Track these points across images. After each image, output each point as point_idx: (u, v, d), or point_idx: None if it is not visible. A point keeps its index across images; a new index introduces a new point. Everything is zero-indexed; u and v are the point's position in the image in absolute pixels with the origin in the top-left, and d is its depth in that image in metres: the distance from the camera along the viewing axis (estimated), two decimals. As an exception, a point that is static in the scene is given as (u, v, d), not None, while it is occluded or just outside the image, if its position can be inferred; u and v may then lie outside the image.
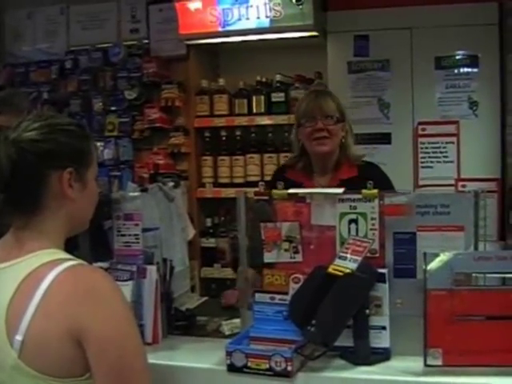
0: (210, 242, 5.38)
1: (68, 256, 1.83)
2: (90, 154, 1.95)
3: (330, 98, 3.43)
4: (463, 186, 4.18)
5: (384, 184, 3.04)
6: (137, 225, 2.72)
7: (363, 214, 2.45)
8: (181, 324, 2.77)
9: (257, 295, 2.47)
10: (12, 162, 1.77)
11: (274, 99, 5.17)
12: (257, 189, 2.68)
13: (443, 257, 2.20)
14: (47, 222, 1.85)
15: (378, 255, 2.40)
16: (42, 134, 1.81)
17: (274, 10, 4.74)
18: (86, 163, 1.92)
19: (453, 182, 4.35)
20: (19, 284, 1.73)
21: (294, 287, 2.42)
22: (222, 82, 5.34)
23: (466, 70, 4.68)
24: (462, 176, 4.49)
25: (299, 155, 3.49)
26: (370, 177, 2.57)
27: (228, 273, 5.12)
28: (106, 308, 1.74)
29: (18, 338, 1.68)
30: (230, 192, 5.12)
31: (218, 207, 5.43)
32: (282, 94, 5.14)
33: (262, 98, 5.19)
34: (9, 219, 1.86)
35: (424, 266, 2.20)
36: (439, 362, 2.15)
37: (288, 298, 2.39)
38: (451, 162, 4.66)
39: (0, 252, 1.86)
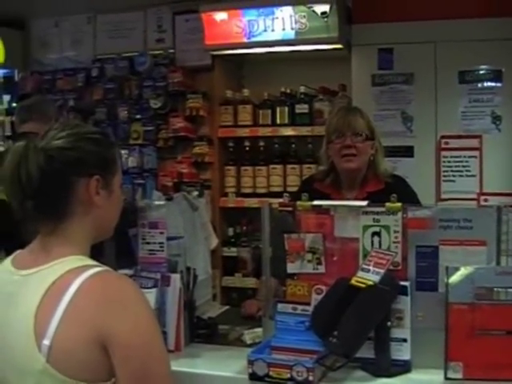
0: (231, 252, 5.40)
1: (94, 262, 1.85)
2: (115, 162, 1.98)
3: (360, 116, 3.45)
4: (485, 201, 4.17)
5: (410, 198, 3.07)
6: (162, 233, 2.75)
7: (386, 227, 2.46)
8: (203, 332, 2.79)
9: (279, 305, 2.49)
10: (41, 169, 1.80)
11: (297, 110, 5.18)
12: (281, 200, 2.69)
13: (465, 271, 2.21)
14: (74, 228, 1.88)
15: (400, 268, 2.41)
16: (69, 143, 1.84)
17: (300, 22, 4.77)
18: (111, 171, 1.95)
19: (475, 196, 4.36)
20: (46, 290, 1.75)
21: (316, 298, 2.44)
22: (246, 92, 5.37)
23: (489, 84, 4.68)
24: (484, 190, 4.49)
25: (328, 171, 3.51)
26: (397, 190, 2.59)
27: (249, 282, 5.16)
28: (132, 315, 1.76)
29: (46, 342, 1.70)
30: (252, 202, 5.14)
31: (240, 217, 5.45)
32: (306, 106, 5.16)
33: (286, 109, 5.21)
34: (36, 225, 1.90)
35: (446, 280, 2.22)
36: (459, 376, 2.16)
37: (310, 308, 2.41)
38: (473, 176, 4.66)
39: (27, 258, 1.89)
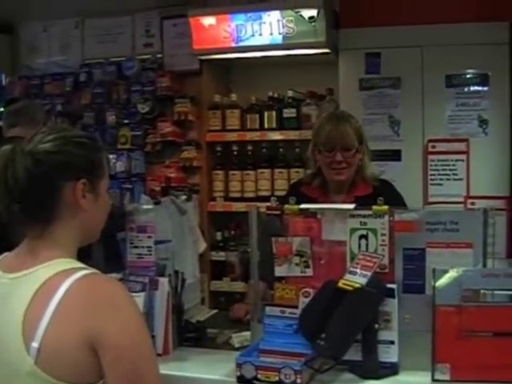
0: (219, 256, 5.40)
1: (82, 265, 1.85)
2: (102, 166, 1.98)
3: (350, 126, 3.41)
4: (472, 204, 4.22)
5: (397, 201, 3.08)
6: (150, 237, 2.75)
7: (373, 230, 2.47)
8: (191, 336, 2.79)
9: (267, 308, 2.49)
10: (28, 172, 1.80)
11: (285, 115, 5.19)
12: (269, 203, 2.70)
13: (452, 273, 2.23)
14: (61, 231, 1.88)
15: (387, 271, 2.42)
16: (56, 146, 1.85)
17: (287, 26, 4.78)
18: (98, 175, 1.95)
19: (462, 199, 4.40)
20: (35, 293, 1.75)
21: (304, 301, 2.44)
22: (234, 97, 5.37)
23: (476, 88, 4.70)
24: (472, 194, 4.52)
25: (315, 173, 3.51)
26: (384, 194, 2.59)
27: (237, 286, 5.17)
28: (121, 317, 1.76)
29: (35, 344, 1.70)
30: (240, 206, 5.15)
31: (228, 221, 5.46)
32: (294, 110, 5.17)
33: (274, 113, 5.22)
34: (23, 229, 1.90)
35: (433, 282, 2.23)
36: (447, 377, 2.18)
37: (298, 311, 2.42)
38: (461, 179, 4.68)
39: (14, 261, 1.89)
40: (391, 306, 2.32)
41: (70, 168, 1.86)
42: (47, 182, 1.83)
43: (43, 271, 1.80)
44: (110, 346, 1.71)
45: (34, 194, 1.82)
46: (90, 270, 1.82)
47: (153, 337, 2.49)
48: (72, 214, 1.88)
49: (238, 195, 5.33)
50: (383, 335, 2.31)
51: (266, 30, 4.86)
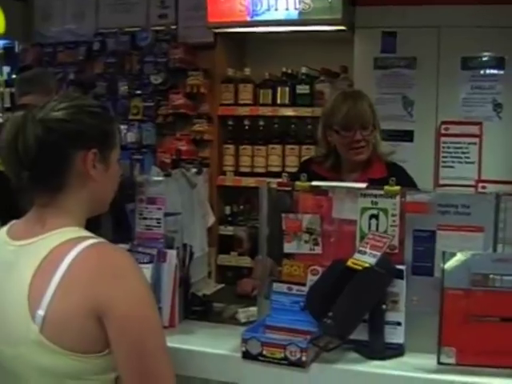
0: (228, 230, 5.41)
1: (90, 234, 1.85)
2: (114, 137, 1.98)
3: (367, 105, 3.38)
4: (483, 188, 4.19)
5: (408, 185, 3.05)
6: (159, 209, 2.74)
7: (384, 210, 2.45)
8: (197, 309, 2.79)
9: (274, 285, 2.48)
10: (38, 140, 1.79)
11: (298, 91, 5.18)
12: (279, 179, 2.69)
13: (461, 256, 2.21)
14: (70, 200, 1.88)
15: (397, 251, 2.41)
16: (68, 115, 1.84)
17: (304, 2, 4.76)
18: (110, 145, 1.95)
19: (473, 182, 4.37)
20: (42, 260, 1.76)
21: (312, 279, 2.43)
22: (247, 71, 5.36)
23: (491, 71, 4.68)
24: (483, 177, 4.50)
25: (327, 154, 3.48)
26: (398, 178, 2.57)
27: (244, 261, 5.17)
28: (128, 286, 1.77)
29: (40, 312, 1.71)
30: (250, 181, 5.16)
31: (237, 196, 5.46)
32: (307, 87, 5.15)
33: (287, 89, 5.21)
34: (32, 197, 1.89)
35: (442, 265, 2.22)
36: (452, 361, 2.16)
37: (306, 289, 2.41)
38: (472, 162, 4.66)
39: (23, 229, 1.90)
40: (399, 287, 2.30)
41: (81, 137, 1.85)
42: (58, 150, 1.83)
43: (51, 239, 1.80)
44: (116, 316, 1.72)
45: (44, 162, 1.82)
46: (97, 239, 1.82)
47: (159, 309, 2.49)
48: (82, 183, 1.88)
49: (248, 170, 5.33)
50: (390, 316, 2.30)
51: (282, 5, 4.83)
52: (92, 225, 1.98)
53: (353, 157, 3.37)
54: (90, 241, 1.79)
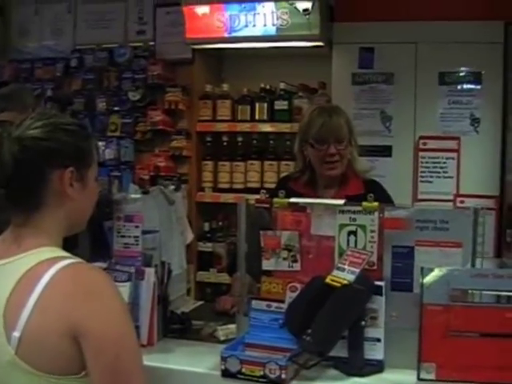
0: (206, 247, 5.38)
1: (67, 254, 1.84)
2: (91, 155, 1.96)
3: (342, 119, 3.39)
4: (462, 202, 4.22)
5: (385, 201, 3.05)
6: (137, 226, 2.72)
7: (363, 227, 2.45)
8: (176, 327, 2.77)
9: (253, 302, 2.48)
10: (14, 158, 1.78)
11: (277, 107, 5.17)
12: (258, 196, 2.68)
13: (440, 272, 2.21)
14: (46, 219, 1.86)
15: (375, 268, 2.41)
16: (45, 133, 1.83)
17: (281, 18, 4.76)
18: (87, 163, 1.93)
19: (451, 197, 4.40)
20: (18, 281, 1.74)
21: (291, 296, 2.43)
22: (225, 87, 5.35)
23: (469, 86, 4.70)
24: (461, 192, 4.52)
25: (303, 169, 3.48)
26: (376, 196, 2.57)
27: (223, 278, 5.14)
28: (104, 307, 1.75)
29: (16, 334, 1.68)
30: (229, 197, 5.14)
31: (216, 212, 5.44)
32: (286, 102, 5.14)
33: (265, 105, 5.19)
34: (8, 216, 1.87)
35: (421, 281, 2.22)
36: (432, 377, 2.16)
37: (284, 306, 2.40)
38: (451, 177, 4.68)
39: (-1, 248, 1.87)
40: (378, 303, 2.30)
41: (57, 155, 1.83)
42: (34, 168, 1.81)
43: (27, 259, 1.78)
44: (92, 338, 1.69)
45: (20, 181, 1.80)
46: (74, 259, 1.80)
47: (137, 327, 2.48)
48: (58, 202, 1.86)
49: (226, 186, 5.31)
50: (369, 332, 2.30)
51: (260, 21, 4.84)
52: (69, 243, 1.96)
53: (326, 171, 3.37)
54: (67, 261, 1.77)
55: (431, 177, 4.70)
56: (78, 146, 1.90)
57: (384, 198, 3.07)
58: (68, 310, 1.70)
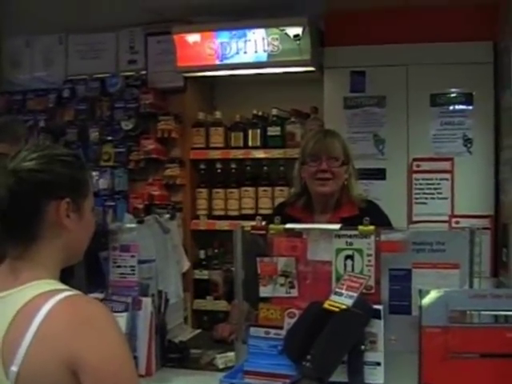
0: (203, 274, 5.35)
1: (64, 287, 1.81)
2: (86, 185, 1.95)
3: (337, 140, 3.45)
4: (457, 223, 4.22)
5: (383, 223, 3.05)
6: (133, 256, 2.72)
7: (359, 250, 2.45)
8: (174, 356, 2.76)
9: (252, 329, 2.47)
10: (10, 191, 1.77)
11: (269, 133, 5.17)
12: (253, 222, 2.68)
13: (438, 294, 2.21)
14: (43, 252, 1.84)
15: (373, 291, 2.41)
16: (40, 164, 1.81)
17: (272, 44, 4.78)
18: (83, 194, 1.92)
19: (447, 218, 4.40)
20: (15, 315, 1.72)
21: (289, 322, 2.42)
22: (218, 114, 5.35)
23: (460, 107, 4.70)
24: (456, 212, 4.52)
25: (300, 193, 3.49)
26: (371, 215, 2.58)
27: (220, 305, 5.13)
28: (103, 339, 1.73)
29: (14, 369, 1.66)
30: (224, 224, 5.12)
31: (211, 239, 5.42)
32: (278, 128, 5.14)
33: (258, 131, 5.19)
34: (4, 249, 1.86)
35: (419, 303, 2.21)
36: (433, 400, 2.15)
37: (283, 332, 2.39)
38: (445, 198, 4.67)
39: (-4, 282, 1.86)
40: (377, 327, 2.30)
41: (54, 187, 1.82)
42: (30, 201, 1.79)
43: (24, 293, 1.76)
44: (91, 371, 1.67)
45: (16, 213, 1.79)
46: (71, 292, 1.78)
47: (135, 358, 2.46)
48: (55, 234, 1.85)
49: (221, 213, 5.29)
50: (369, 356, 2.29)
51: (251, 48, 4.85)
52: (65, 274, 1.95)
53: (317, 187, 3.37)
54: (64, 293, 1.75)
55: (426, 198, 4.69)
56: (74, 177, 1.89)
57: (380, 219, 3.07)
58: (66, 342, 1.68)
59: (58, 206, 1.83)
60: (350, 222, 2.75)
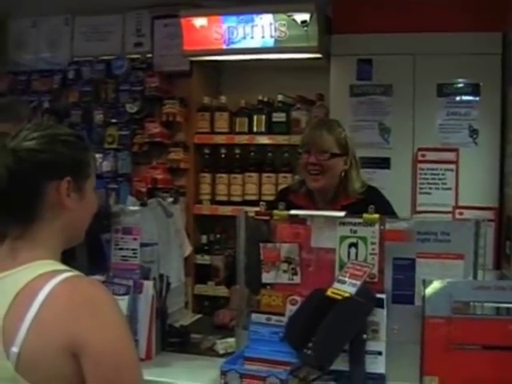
0: (204, 259, 5.35)
1: (65, 267, 1.80)
2: (88, 165, 1.92)
3: (329, 132, 3.39)
4: (460, 214, 4.21)
5: (385, 208, 3.03)
6: (135, 239, 2.71)
7: (363, 238, 2.44)
8: (175, 341, 2.76)
9: (253, 315, 2.46)
10: (9, 170, 1.75)
11: (274, 119, 5.15)
12: (257, 208, 2.67)
13: (442, 284, 2.20)
14: (43, 232, 1.82)
15: (376, 280, 2.40)
16: (40, 144, 1.79)
17: (279, 30, 4.75)
18: (84, 174, 1.89)
19: (450, 209, 4.38)
20: (15, 295, 1.70)
21: (291, 309, 2.41)
22: (223, 99, 5.33)
23: (467, 98, 4.68)
24: (460, 204, 4.50)
25: (302, 180, 3.48)
26: (371, 201, 2.56)
27: (221, 291, 5.11)
28: (103, 321, 1.72)
29: (15, 349, 1.65)
30: (226, 210, 5.12)
31: (214, 224, 5.42)
32: (283, 114, 5.13)
33: (263, 117, 5.18)
34: (4, 229, 1.84)
35: (422, 293, 2.20)
36: (435, 390, 2.15)
37: (285, 319, 2.39)
38: (449, 189, 4.65)
39: (-6, 263, 1.84)
40: (380, 316, 2.29)
41: (54, 167, 1.80)
42: (30, 180, 1.78)
43: (24, 273, 1.74)
44: (91, 351, 1.66)
45: (16, 193, 1.77)
46: (72, 273, 1.77)
47: (136, 341, 2.45)
48: (55, 213, 1.83)
49: (224, 199, 5.28)
50: (371, 346, 2.28)
51: (258, 33, 4.82)
52: (67, 256, 1.94)
53: (310, 182, 3.37)
54: (65, 274, 1.73)
55: (430, 188, 4.68)
56: (75, 157, 1.86)
57: (382, 205, 3.06)
58: (66, 324, 1.67)
59: (59, 185, 1.81)
60: (350, 209, 2.72)
